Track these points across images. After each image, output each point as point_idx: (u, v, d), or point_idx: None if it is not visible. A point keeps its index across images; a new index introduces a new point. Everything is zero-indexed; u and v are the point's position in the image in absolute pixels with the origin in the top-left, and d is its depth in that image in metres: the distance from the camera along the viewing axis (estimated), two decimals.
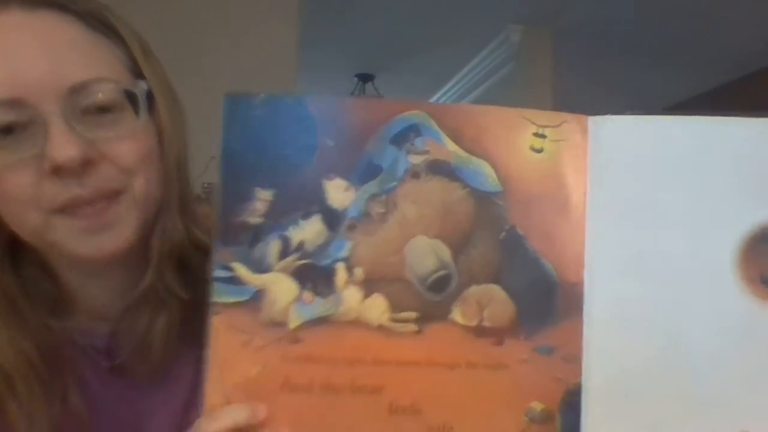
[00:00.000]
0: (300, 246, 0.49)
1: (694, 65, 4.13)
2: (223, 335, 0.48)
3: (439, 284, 0.50)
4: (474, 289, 0.50)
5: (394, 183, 0.50)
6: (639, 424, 0.51)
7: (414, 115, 0.50)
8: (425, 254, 0.50)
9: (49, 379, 0.59)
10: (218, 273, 0.48)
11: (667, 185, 0.50)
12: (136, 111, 0.58)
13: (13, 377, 0.57)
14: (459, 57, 4.11)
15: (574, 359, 0.50)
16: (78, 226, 0.56)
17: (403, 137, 0.50)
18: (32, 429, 0.57)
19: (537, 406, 0.50)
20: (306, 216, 0.49)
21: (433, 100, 4.92)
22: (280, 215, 0.49)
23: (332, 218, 0.49)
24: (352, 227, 0.50)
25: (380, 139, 0.50)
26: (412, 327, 0.49)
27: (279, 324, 0.49)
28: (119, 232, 0.58)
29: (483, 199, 0.50)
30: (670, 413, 0.51)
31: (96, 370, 0.63)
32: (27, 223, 0.57)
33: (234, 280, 0.48)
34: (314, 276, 0.49)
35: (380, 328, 0.49)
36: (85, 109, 0.56)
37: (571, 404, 0.50)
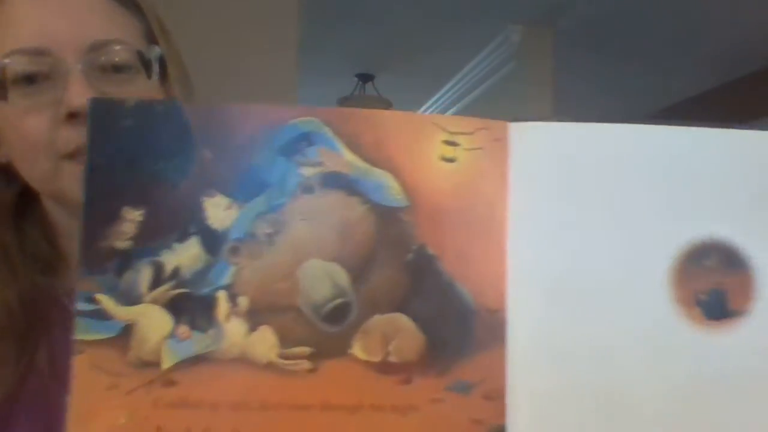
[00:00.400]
0: (175, 273, 0.42)
1: (694, 65, 4.09)
2: (86, 378, 0.41)
3: (337, 314, 0.43)
4: (377, 319, 0.43)
5: (284, 199, 0.43)
6: None
7: (306, 122, 0.43)
8: (320, 280, 0.43)
9: (25, 333, 0.62)
10: (81, 306, 0.41)
11: (594, 200, 0.43)
12: (148, 74, 0.65)
13: None
14: (459, 57, 4.09)
15: (496, 396, 0.43)
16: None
17: (293, 147, 0.43)
18: None
19: None
20: (182, 238, 0.42)
21: (433, 100, 4.88)
22: (152, 238, 0.42)
23: (212, 240, 0.42)
24: (235, 250, 0.43)
25: (267, 150, 0.43)
26: (306, 364, 0.42)
27: (150, 364, 0.42)
28: None
29: (386, 215, 0.43)
30: None
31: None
32: (38, 168, 0.62)
33: (99, 314, 0.41)
34: (191, 307, 0.42)
35: (269, 366, 0.42)
36: (102, 66, 0.62)
37: None
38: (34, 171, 0.63)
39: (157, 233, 0.43)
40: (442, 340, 0.44)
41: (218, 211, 0.43)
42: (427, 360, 0.43)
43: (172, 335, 0.42)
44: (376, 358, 0.43)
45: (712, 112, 4.53)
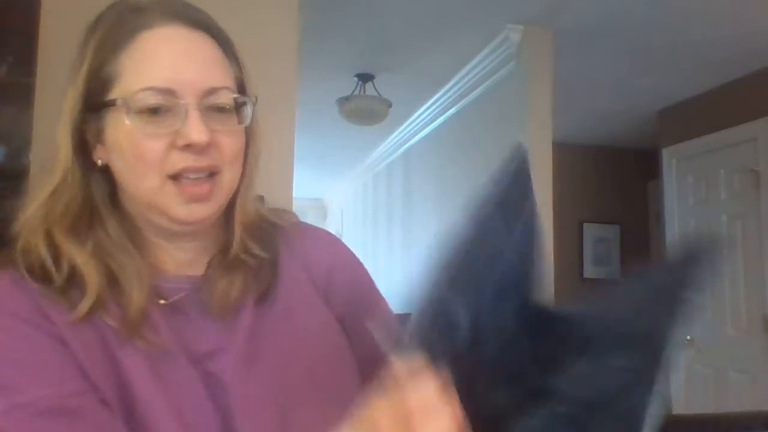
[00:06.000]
0: None
1: (694, 65, 4.08)
2: None
3: None
4: None
5: None
6: None
7: None
8: None
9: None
10: None
11: None
12: (240, 117, 0.80)
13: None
14: (459, 57, 4.08)
15: None
16: (182, 194, 0.76)
17: None
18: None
19: None
20: None
21: (433, 100, 4.89)
22: None
23: None
24: None
25: None
26: None
27: None
28: (208, 205, 0.78)
29: None
30: None
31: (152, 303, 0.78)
32: (147, 183, 0.75)
33: None
34: None
35: None
36: (212, 107, 0.77)
37: None
38: (143, 184, 0.76)
39: None
40: None
41: None
42: None
43: None
44: None
45: (712, 112, 4.53)
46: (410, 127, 5.66)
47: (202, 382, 0.76)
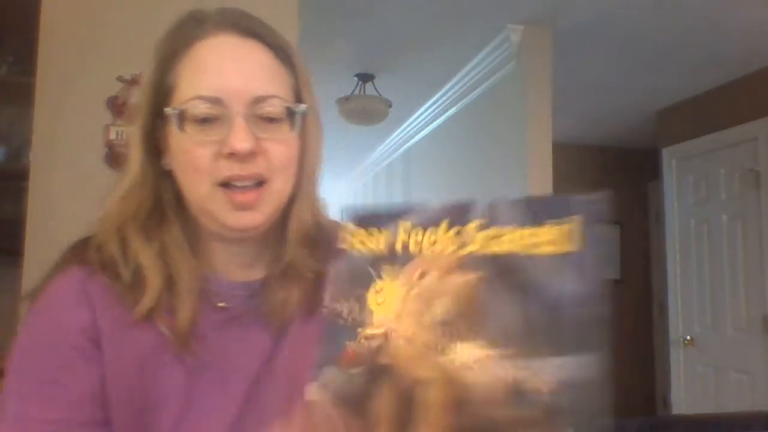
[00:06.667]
0: None
1: (694, 65, 4.08)
2: None
3: None
4: None
5: None
6: None
7: None
8: None
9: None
10: None
11: None
12: (292, 125, 0.80)
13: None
14: (459, 57, 4.08)
15: None
16: (230, 201, 0.77)
17: None
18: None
19: None
20: None
21: (433, 99, 4.88)
22: None
23: None
24: None
25: None
26: None
27: None
28: (257, 213, 0.79)
29: None
30: None
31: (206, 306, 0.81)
32: (198, 190, 0.78)
33: None
34: None
35: None
36: (259, 115, 0.77)
37: None
38: (196, 191, 0.79)
39: None
40: None
41: None
42: None
43: None
44: None
45: (712, 112, 4.53)
46: (410, 127, 5.65)
47: (238, 399, 0.79)
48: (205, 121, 0.76)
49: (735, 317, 4.31)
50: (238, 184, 0.77)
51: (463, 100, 4.52)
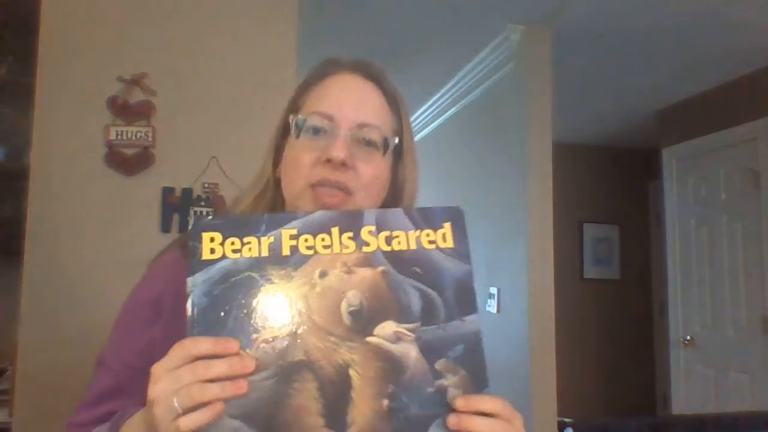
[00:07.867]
0: None
1: (694, 65, 4.09)
2: None
3: None
4: None
5: None
6: None
7: None
8: None
9: None
10: None
11: None
12: (384, 152, 0.96)
13: None
14: (459, 57, 4.08)
15: None
16: (317, 200, 0.91)
17: None
18: None
19: None
20: None
21: (433, 99, 4.88)
22: None
23: None
24: None
25: None
26: None
27: None
28: None
29: None
30: None
31: None
32: (294, 187, 0.94)
33: None
34: None
35: None
36: (359, 138, 0.94)
37: None
38: (292, 189, 0.94)
39: None
40: None
41: None
42: None
43: None
44: None
45: (712, 112, 4.53)
46: None
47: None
48: (316, 131, 0.94)
49: (735, 317, 4.31)
50: (327, 187, 0.91)
51: (463, 100, 4.52)
